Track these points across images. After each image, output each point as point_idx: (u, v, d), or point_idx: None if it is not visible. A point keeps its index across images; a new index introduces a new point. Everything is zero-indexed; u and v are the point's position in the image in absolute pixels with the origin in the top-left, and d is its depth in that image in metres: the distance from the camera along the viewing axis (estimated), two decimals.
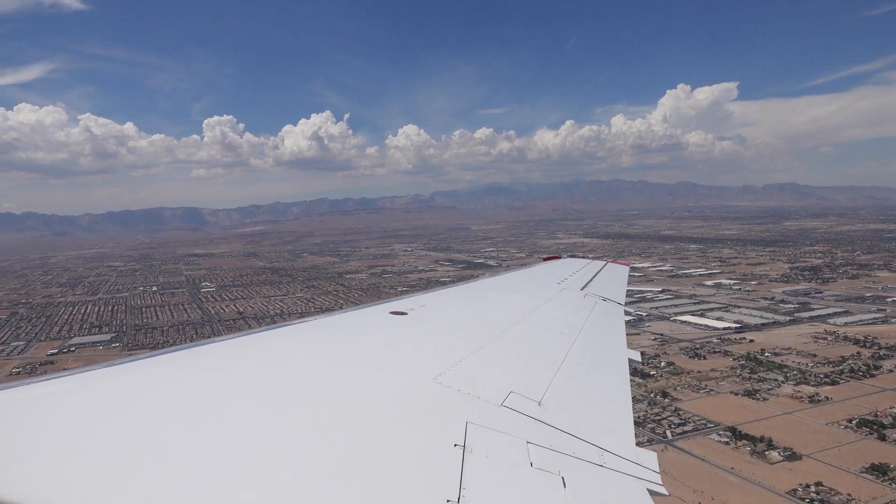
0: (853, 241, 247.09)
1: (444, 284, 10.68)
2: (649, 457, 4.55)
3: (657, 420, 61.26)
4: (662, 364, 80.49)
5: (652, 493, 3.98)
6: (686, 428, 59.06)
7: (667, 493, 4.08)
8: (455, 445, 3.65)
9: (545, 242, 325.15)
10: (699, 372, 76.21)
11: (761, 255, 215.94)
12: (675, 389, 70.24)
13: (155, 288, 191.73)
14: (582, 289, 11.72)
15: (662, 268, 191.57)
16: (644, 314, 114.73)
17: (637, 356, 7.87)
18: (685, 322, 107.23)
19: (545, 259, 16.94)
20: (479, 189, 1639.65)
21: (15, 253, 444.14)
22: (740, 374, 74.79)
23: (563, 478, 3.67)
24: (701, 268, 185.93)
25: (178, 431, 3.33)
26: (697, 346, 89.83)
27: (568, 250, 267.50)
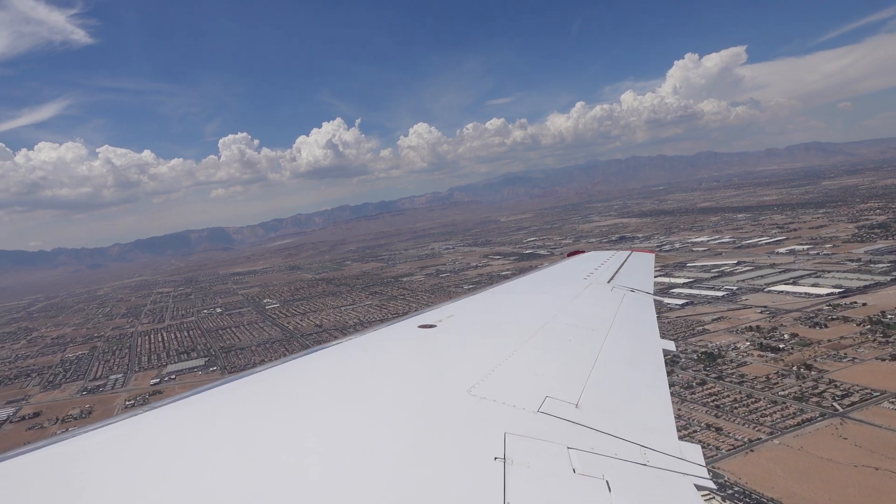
0: None
1: (470, 292, 10.59)
2: (693, 450, 4.46)
3: (818, 394, 59.73)
4: (786, 336, 78.78)
5: (699, 487, 3.94)
6: (853, 399, 57.35)
7: (714, 486, 4.00)
8: (495, 458, 3.70)
9: (584, 227, 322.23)
10: (829, 341, 74.34)
11: (817, 218, 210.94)
12: (816, 361, 68.57)
13: (219, 310, 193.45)
14: (608, 281, 11.63)
15: (722, 240, 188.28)
16: (735, 288, 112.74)
17: (671, 346, 7.69)
18: (782, 292, 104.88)
19: (569, 254, 16.70)
20: (495, 180, 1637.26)
21: (60, 289, 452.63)
22: (874, 339, 72.67)
23: (607, 481, 3.67)
24: (763, 236, 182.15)
25: (238, 454, 3.62)
26: (810, 314, 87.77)
27: (612, 232, 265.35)
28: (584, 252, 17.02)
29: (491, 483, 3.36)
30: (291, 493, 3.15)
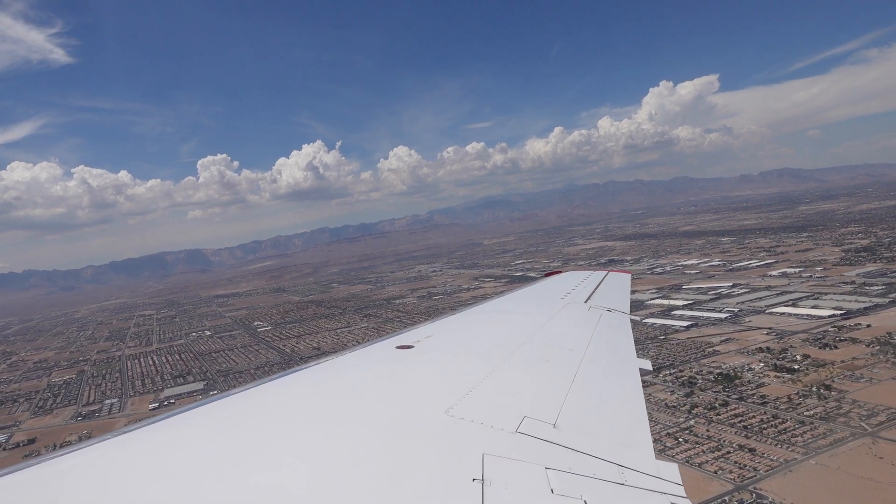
0: (883, 219, 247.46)
1: (448, 312, 10.78)
2: (670, 469, 4.52)
3: (843, 414, 60.26)
4: (798, 357, 79.65)
5: None
6: (880, 419, 57.93)
7: None
8: (473, 480, 3.70)
9: (570, 250, 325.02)
10: (842, 362, 75.27)
11: (801, 241, 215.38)
12: (833, 381, 69.34)
13: (208, 332, 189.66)
14: (586, 301, 11.79)
15: (712, 263, 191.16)
16: (736, 310, 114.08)
17: (648, 365, 7.77)
18: (784, 314, 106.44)
19: (546, 274, 16.96)
20: (475, 204, 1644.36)
21: (34, 311, 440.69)
22: (887, 360, 73.81)
23: (585, 501, 3.72)
24: (752, 259, 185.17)
25: (212, 476, 3.56)
26: (817, 336, 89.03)
27: (600, 255, 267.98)
28: (561, 272, 17.20)
29: None
30: None
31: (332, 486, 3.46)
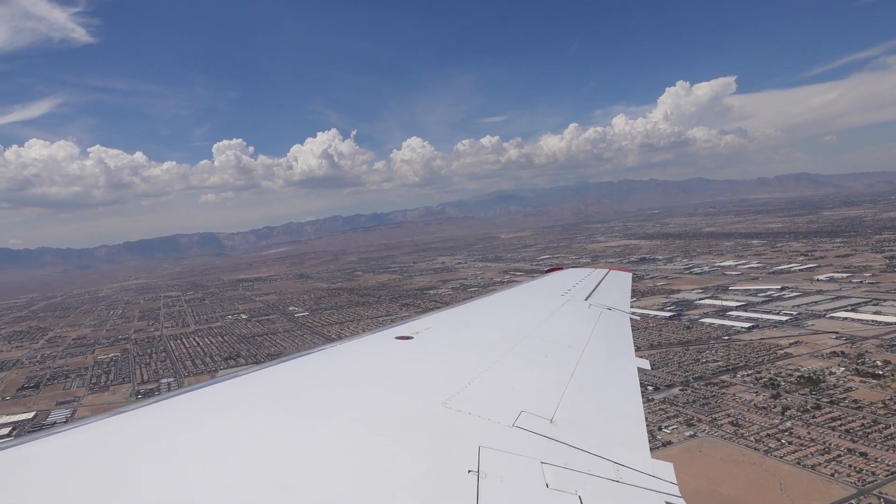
0: None
1: (448, 305, 10.78)
2: (665, 468, 4.51)
3: None
4: (878, 363, 78.94)
5: None
6: None
7: None
8: (469, 471, 3.75)
9: (594, 246, 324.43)
10: None
11: (837, 247, 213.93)
12: None
13: (244, 316, 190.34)
14: (586, 299, 11.85)
15: (750, 265, 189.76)
16: (795, 313, 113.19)
17: (646, 365, 7.76)
18: (846, 319, 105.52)
19: (547, 271, 17.04)
20: (486, 197, 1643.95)
21: (55, 289, 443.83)
22: None
23: (579, 497, 3.75)
24: (792, 263, 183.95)
25: (196, 467, 3.50)
26: (891, 342, 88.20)
27: (628, 253, 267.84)
28: (562, 269, 17.47)
29: (464, 496, 3.41)
30: (260, 502, 3.15)
31: (328, 475, 3.50)
